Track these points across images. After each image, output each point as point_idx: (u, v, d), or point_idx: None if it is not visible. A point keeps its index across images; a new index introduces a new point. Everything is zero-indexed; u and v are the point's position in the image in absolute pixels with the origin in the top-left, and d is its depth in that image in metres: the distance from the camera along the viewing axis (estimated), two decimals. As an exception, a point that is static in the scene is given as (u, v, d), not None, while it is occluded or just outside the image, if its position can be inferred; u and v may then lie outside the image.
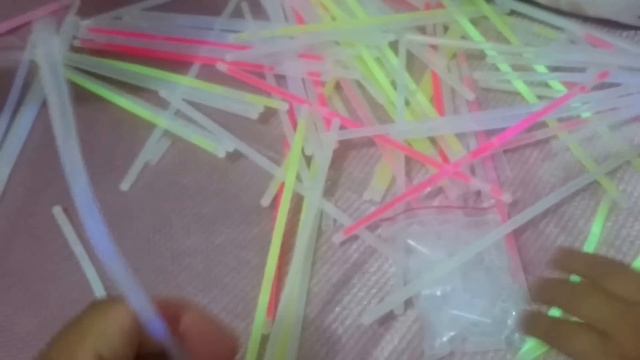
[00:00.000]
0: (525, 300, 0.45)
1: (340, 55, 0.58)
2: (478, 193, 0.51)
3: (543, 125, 0.53)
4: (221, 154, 0.54)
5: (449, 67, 0.58)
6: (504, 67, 0.57)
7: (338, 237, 0.50)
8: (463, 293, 0.46)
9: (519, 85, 0.56)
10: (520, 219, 0.48)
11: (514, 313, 0.45)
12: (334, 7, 0.62)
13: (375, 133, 0.54)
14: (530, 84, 0.56)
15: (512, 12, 0.61)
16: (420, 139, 0.53)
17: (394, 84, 0.57)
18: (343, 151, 0.54)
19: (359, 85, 0.58)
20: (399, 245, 0.48)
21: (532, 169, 0.52)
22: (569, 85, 0.55)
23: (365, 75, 0.57)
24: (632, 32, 0.58)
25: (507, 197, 0.49)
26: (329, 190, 0.53)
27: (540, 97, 0.55)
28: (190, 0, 0.66)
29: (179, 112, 0.58)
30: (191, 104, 0.58)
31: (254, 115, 0.56)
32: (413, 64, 0.59)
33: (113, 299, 0.28)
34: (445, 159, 0.52)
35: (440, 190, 0.51)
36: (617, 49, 0.57)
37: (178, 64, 0.61)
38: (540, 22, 0.60)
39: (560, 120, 0.53)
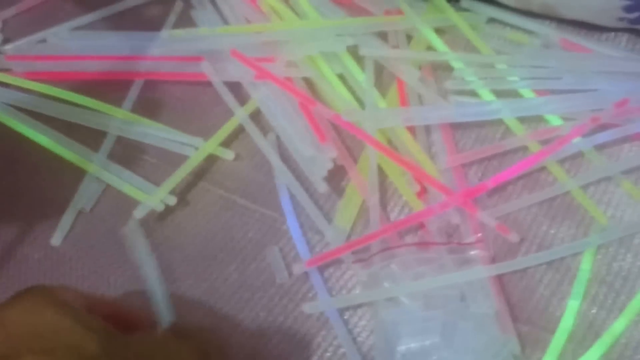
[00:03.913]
0: (516, 356, 0.40)
1: (293, 56, 0.53)
2: (456, 226, 0.46)
3: (524, 148, 0.48)
4: (160, 207, 0.48)
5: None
6: (474, 79, 0.51)
7: (299, 269, 0.45)
8: (446, 348, 0.40)
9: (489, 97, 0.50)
10: (513, 265, 0.44)
11: (504, 372, 0.40)
12: (288, 12, 0.56)
13: (348, 118, 0.49)
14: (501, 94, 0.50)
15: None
16: (394, 166, 0.48)
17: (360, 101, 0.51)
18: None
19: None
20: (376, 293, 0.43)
21: (511, 196, 0.47)
22: (543, 93, 0.50)
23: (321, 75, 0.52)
24: (612, 35, 0.53)
25: (514, 237, 0.45)
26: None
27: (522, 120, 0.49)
28: (126, 17, 0.60)
29: (113, 153, 0.51)
30: (127, 140, 0.52)
31: (191, 152, 0.50)
32: (378, 74, 0.53)
33: None
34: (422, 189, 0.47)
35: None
36: (595, 53, 0.52)
37: (115, 88, 0.54)
38: (512, 26, 0.54)
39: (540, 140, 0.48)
